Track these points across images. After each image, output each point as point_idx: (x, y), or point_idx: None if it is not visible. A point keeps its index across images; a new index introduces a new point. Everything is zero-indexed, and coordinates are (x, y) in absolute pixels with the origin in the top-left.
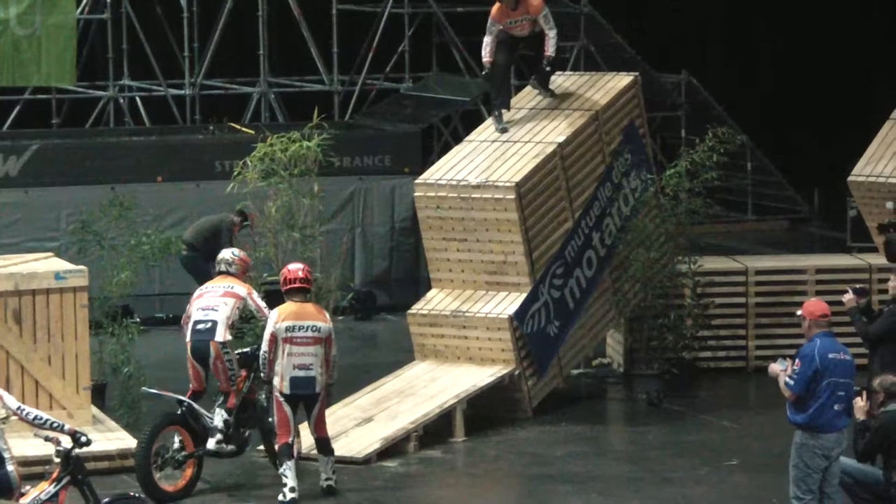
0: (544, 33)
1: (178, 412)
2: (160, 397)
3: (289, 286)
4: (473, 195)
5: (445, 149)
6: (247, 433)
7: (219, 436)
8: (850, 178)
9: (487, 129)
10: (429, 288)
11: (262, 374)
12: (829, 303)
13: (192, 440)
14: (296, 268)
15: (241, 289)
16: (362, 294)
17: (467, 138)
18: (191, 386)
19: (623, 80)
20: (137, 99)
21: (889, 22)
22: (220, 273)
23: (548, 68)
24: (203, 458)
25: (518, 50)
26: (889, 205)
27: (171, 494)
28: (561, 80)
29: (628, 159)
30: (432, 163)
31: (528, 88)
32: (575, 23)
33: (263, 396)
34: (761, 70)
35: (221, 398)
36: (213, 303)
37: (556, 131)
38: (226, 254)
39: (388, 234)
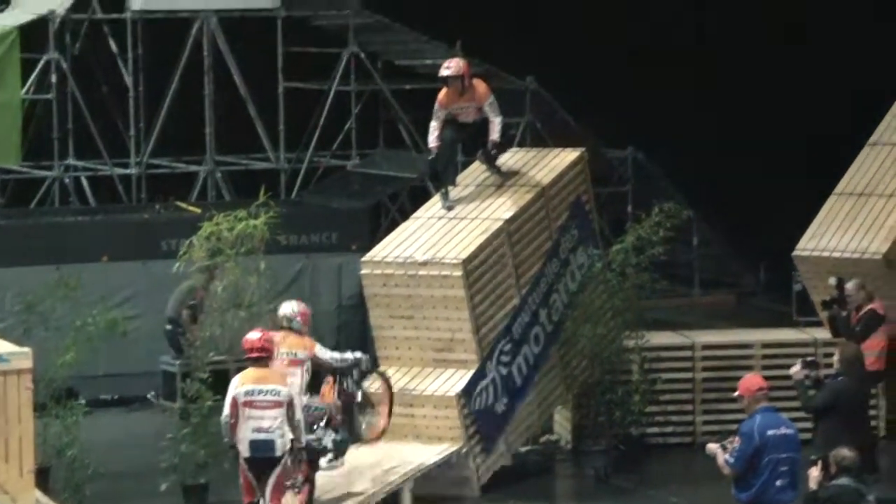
0: (490, 119)
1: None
2: None
3: (247, 355)
4: (420, 272)
5: (393, 226)
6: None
7: (330, 455)
8: (794, 253)
9: (434, 205)
10: (376, 365)
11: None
12: (776, 377)
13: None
14: (254, 337)
15: (303, 353)
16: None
17: (414, 215)
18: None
19: (569, 155)
20: (83, 178)
21: (836, 94)
22: (283, 328)
23: (493, 151)
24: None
25: (464, 132)
26: (831, 281)
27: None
28: (507, 157)
29: (575, 235)
30: (379, 240)
31: (475, 164)
32: (520, 99)
33: (360, 392)
34: (707, 143)
35: (325, 420)
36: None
37: (503, 208)
38: (286, 309)
39: (335, 311)
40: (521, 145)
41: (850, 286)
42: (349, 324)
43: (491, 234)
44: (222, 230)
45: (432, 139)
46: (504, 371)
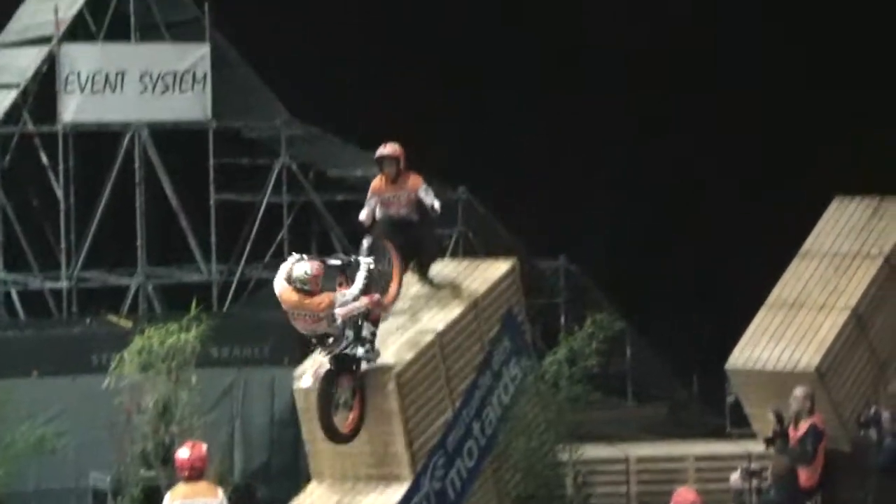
0: (424, 218)
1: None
2: None
3: (178, 473)
4: None
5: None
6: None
7: (368, 345)
8: (727, 366)
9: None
10: (309, 480)
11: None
12: (711, 490)
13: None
14: (184, 455)
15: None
16: (241, 487)
17: None
18: None
19: (501, 266)
20: (12, 291)
21: (769, 197)
22: (297, 290)
23: (435, 211)
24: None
25: (400, 237)
26: (770, 416)
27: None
28: (439, 268)
29: (508, 347)
30: (313, 353)
31: (408, 276)
32: (453, 209)
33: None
34: (639, 253)
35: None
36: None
37: (436, 320)
38: (298, 271)
39: (267, 425)
40: (453, 256)
41: (798, 392)
42: (282, 439)
43: (423, 346)
44: (153, 344)
45: (363, 215)
46: (438, 485)
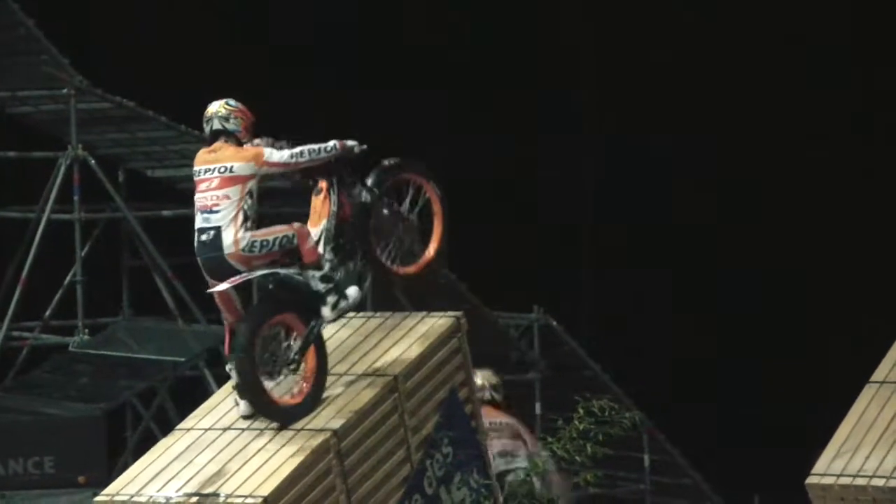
0: None
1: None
2: None
3: None
4: None
5: (145, 443)
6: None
7: (330, 298)
8: (809, 480)
9: (218, 409)
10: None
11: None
12: None
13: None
14: None
15: (242, 165)
16: None
17: (181, 426)
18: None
19: (439, 323)
20: None
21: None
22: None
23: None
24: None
25: None
26: None
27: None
28: (339, 325)
29: (449, 454)
30: (124, 467)
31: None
32: None
33: (363, 193)
34: (656, 311)
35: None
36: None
37: (331, 411)
38: (211, 107)
39: None
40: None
41: None
42: None
43: (309, 454)
44: None
45: None
46: None
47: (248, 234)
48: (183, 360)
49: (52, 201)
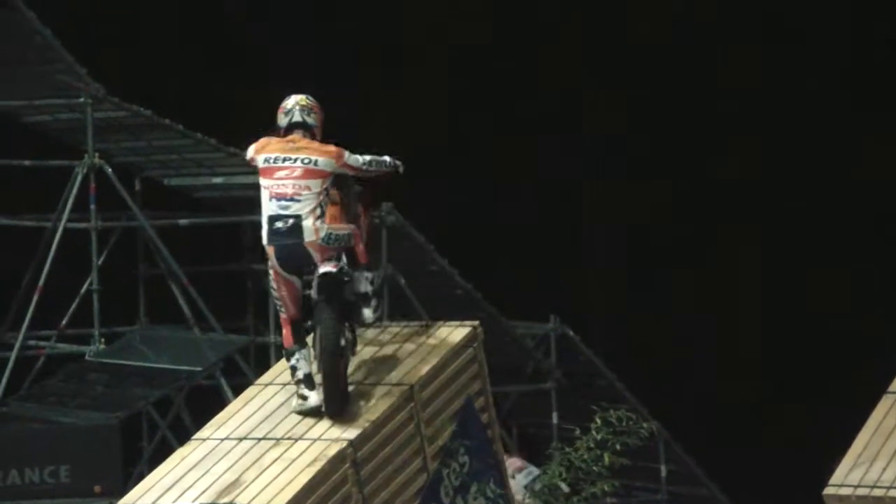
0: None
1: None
2: None
3: None
4: None
5: (161, 453)
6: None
7: (373, 301)
8: (826, 491)
9: (235, 418)
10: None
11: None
12: None
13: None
14: None
15: (325, 160)
16: None
17: (197, 435)
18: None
19: (455, 332)
20: None
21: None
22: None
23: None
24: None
25: None
26: None
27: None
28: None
29: (465, 464)
30: (140, 477)
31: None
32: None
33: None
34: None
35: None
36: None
37: (347, 421)
38: (290, 100)
39: None
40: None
41: None
42: None
43: (325, 464)
44: None
45: None
46: None
47: (325, 225)
48: (199, 369)
49: (69, 210)
